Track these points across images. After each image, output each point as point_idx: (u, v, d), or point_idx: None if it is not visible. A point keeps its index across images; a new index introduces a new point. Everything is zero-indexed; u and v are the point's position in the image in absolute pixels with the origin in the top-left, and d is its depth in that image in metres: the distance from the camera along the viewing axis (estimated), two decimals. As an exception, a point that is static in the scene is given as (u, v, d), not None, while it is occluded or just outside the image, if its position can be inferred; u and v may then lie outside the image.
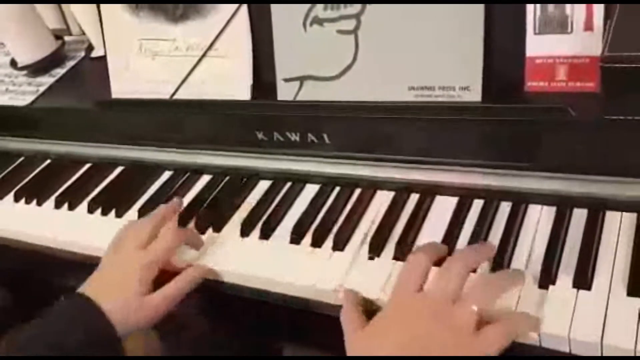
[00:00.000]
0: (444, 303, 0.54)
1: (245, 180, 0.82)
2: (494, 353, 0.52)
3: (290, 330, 0.79)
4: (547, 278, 0.57)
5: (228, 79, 0.78)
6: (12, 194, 0.95)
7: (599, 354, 0.51)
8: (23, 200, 0.93)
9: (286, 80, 0.74)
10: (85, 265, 0.82)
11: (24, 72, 1.04)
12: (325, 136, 0.72)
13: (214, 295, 0.73)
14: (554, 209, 0.64)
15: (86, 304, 0.64)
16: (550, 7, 0.59)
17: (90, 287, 0.67)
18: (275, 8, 0.72)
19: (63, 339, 0.61)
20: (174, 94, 0.81)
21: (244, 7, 0.75)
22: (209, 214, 0.77)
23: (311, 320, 0.71)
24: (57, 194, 0.91)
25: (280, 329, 0.80)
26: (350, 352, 0.56)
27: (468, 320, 0.52)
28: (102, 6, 0.85)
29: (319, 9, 0.70)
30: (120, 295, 0.65)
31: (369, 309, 0.60)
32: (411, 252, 0.60)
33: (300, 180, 0.78)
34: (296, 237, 0.70)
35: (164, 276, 0.68)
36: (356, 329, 0.57)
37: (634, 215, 0.60)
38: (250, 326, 0.84)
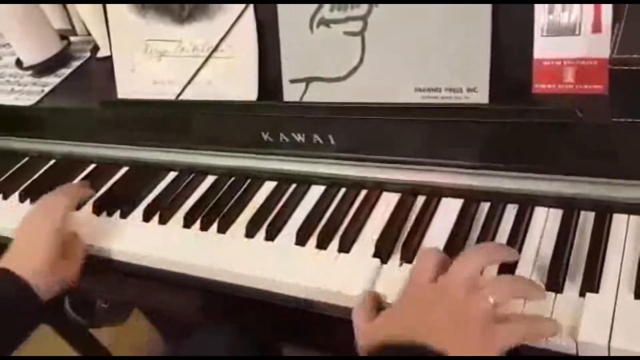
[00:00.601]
0: (457, 289, 0.53)
1: (250, 181, 0.82)
2: (502, 350, 0.51)
3: (293, 331, 0.79)
4: (554, 280, 0.57)
5: (234, 79, 0.78)
6: (16, 194, 0.95)
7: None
8: (28, 201, 0.93)
9: (292, 81, 0.74)
10: (89, 265, 0.83)
11: (30, 72, 1.04)
12: (330, 137, 0.72)
13: (217, 296, 0.73)
14: (560, 211, 0.64)
15: (6, 278, 0.70)
16: (558, 9, 0.59)
17: (8, 259, 0.73)
18: (281, 9, 0.72)
19: None
20: (179, 94, 0.81)
21: (251, 8, 0.75)
22: (214, 214, 0.77)
23: (315, 322, 0.71)
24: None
25: (284, 330, 0.80)
26: (361, 341, 0.56)
27: (482, 310, 0.52)
28: (109, 7, 0.85)
29: (326, 11, 0.70)
30: (33, 263, 0.72)
31: (380, 307, 0.60)
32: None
33: (305, 181, 0.78)
34: (301, 238, 0.70)
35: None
36: (368, 320, 0.57)
37: (642, 218, 0.60)
38: (253, 327, 0.84)
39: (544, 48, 0.60)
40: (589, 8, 0.57)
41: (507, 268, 0.59)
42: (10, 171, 1.01)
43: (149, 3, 0.81)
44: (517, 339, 0.52)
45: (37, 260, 0.72)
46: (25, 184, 0.97)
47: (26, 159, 1.04)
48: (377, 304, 0.60)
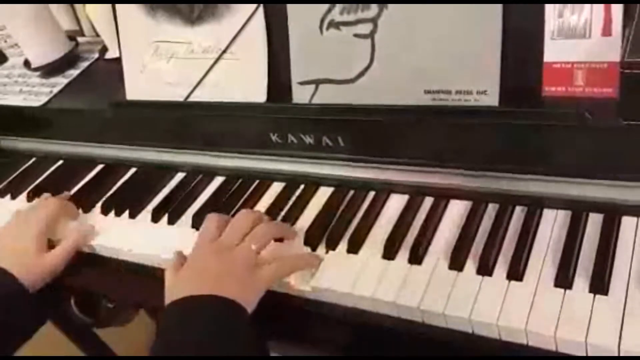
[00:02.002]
0: (226, 244, 0.67)
1: (258, 182, 0.82)
2: (265, 286, 0.65)
3: (296, 334, 0.79)
4: (563, 282, 0.57)
5: (243, 81, 0.78)
6: (24, 194, 0.96)
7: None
8: (36, 201, 0.94)
9: (302, 83, 0.74)
10: (100, 265, 0.83)
11: (38, 73, 1.05)
12: (339, 139, 0.73)
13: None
14: (569, 213, 0.64)
15: None
16: (569, 12, 0.59)
17: None
18: (291, 11, 0.73)
19: None
20: (188, 96, 0.82)
21: (260, 10, 0.75)
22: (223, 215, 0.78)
23: (316, 323, 0.71)
24: (70, 194, 0.92)
25: (284, 332, 0.80)
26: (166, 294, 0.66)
27: (245, 255, 0.66)
28: (118, 8, 0.85)
29: (336, 13, 0.70)
30: (19, 259, 0.78)
31: None
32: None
33: (314, 182, 0.78)
34: (311, 239, 0.70)
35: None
36: (170, 275, 0.68)
37: (651, 220, 0.61)
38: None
39: (554, 51, 0.60)
40: (600, 11, 0.57)
41: (516, 272, 0.59)
42: (18, 171, 1.02)
43: (159, 3, 0.82)
44: (279, 273, 0.66)
45: (23, 257, 0.78)
46: (33, 185, 0.98)
47: (34, 159, 1.04)
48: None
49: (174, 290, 0.65)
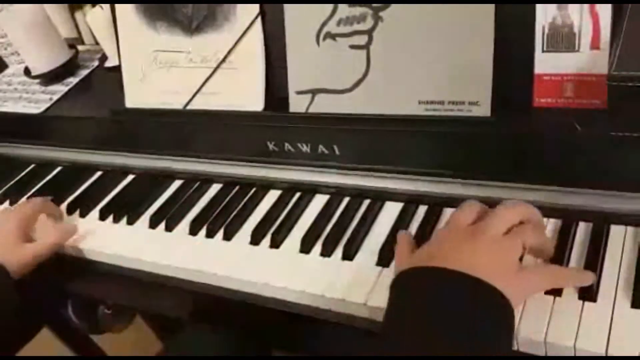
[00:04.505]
0: (494, 231, 0.55)
1: (255, 189, 0.83)
2: (531, 291, 0.55)
3: (295, 338, 0.80)
4: (553, 290, 0.58)
5: (241, 90, 0.79)
6: (23, 200, 0.97)
7: (605, 364, 0.52)
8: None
9: (298, 92, 0.75)
10: (97, 271, 0.84)
11: (38, 80, 1.06)
12: (335, 147, 0.74)
13: (221, 303, 0.75)
14: (559, 222, 0.65)
15: None
16: (559, 25, 0.60)
17: None
18: (289, 22, 0.74)
19: None
20: (187, 104, 0.83)
21: (258, 20, 0.77)
22: (220, 222, 0.79)
23: (317, 329, 0.72)
24: (68, 201, 0.93)
25: (285, 337, 0.81)
26: (396, 275, 0.56)
27: (515, 249, 0.55)
28: (119, 17, 0.87)
29: (332, 25, 0.71)
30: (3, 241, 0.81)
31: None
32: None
33: (310, 190, 0.80)
34: (306, 246, 0.72)
35: None
36: (404, 256, 0.60)
37: (639, 229, 0.62)
38: (252, 333, 0.85)
39: (544, 64, 0.62)
40: (589, 25, 0.59)
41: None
42: (17, 178, 1.03)
43: (155, 2, 0.83)
44: (547, 282, 0.56)
45: (2, 239, 0.81)
46: (32, 191, 0.98)
47: (33, 165, 1.05)
48: (412, 245, 0.62)
49: (417, 261, 0.55)
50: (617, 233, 0.62)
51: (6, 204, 0.98)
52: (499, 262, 0.53)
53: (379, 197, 0.75)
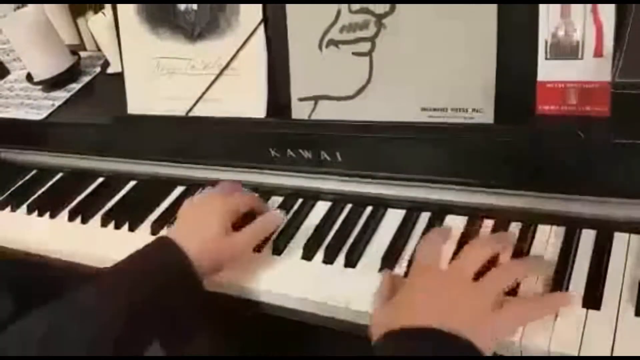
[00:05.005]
0: (464, 277, 0.56)
1: (257, 196, 0.83)
2: (507, 332, 0.55)
3: (296, 344, 0.80)
4: (556, 297, 0.58)
5: (243, 97, 0.79)
6: (25, 206, 0.97)
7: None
8: (36, 213, 0.94)
9: (301, 99, 0.75)
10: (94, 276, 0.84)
11: (40, 86, 1.06)
12: (338, 154, 0.74)
13: (221, 309, 0.74)
14: (563, 229, 0.65)
15: (169, 246, 0.66)
16: (561, 33, 0.60)
17: (175, 230, 0.70)
18: (291, 29, 0.74)
19: (145, 279, 0.64)
20: (189, 111, 0.83)
21: (261, 27, 0.77)
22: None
23: (318, 336, 0.72)
24: (70, 207, 0.93)
25: (288, 344, 0.81)
26: (374, 325, 0.57)
27: (487, 295, 0.55)
28: (121, 24, 0.87)
29: (335, 32, 0.71)
30: (201, 238, 0.67)
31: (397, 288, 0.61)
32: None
33: (312, 197, 0.80)
34: (308, 253, 0.72)
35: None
36: (383, 303, 0.60)
37: (643, 236, 0.62)
38: (255, 340, 0.85)
39: (547, 71, 0.62)
40: (592, 32, 0.59)
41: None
42: (19, 184, 1.03)
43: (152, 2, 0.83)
44: (524, 319, 0.56)
45: (206, 234, 0.68)
46: (33, 197, 0.98)
47: (34, 171, 1.05)
48: (394, 286, 0.61)
49: (385, 320, 0.56)
50: (621, 240, 0.62)
51: (7, 209, 0.98)
52: (470, 310, 0.54)
53: (382, 204, 0.75)
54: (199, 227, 0.69)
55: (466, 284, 0.56)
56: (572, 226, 0.65)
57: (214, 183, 0.86)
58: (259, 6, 0.76)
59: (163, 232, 0.82)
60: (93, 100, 1.01)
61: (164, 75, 0.85)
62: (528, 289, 0.59)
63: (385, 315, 0.57)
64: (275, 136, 0.78)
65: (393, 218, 0.73)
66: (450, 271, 0.58)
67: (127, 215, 0.86)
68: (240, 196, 0.75)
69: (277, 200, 0.82)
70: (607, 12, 0.58)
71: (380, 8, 0.68)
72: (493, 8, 0.63)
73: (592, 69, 0.60)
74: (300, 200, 0.80)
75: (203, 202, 0.74)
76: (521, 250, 0.64)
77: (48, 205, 0.94)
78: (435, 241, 0.63)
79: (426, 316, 0.53)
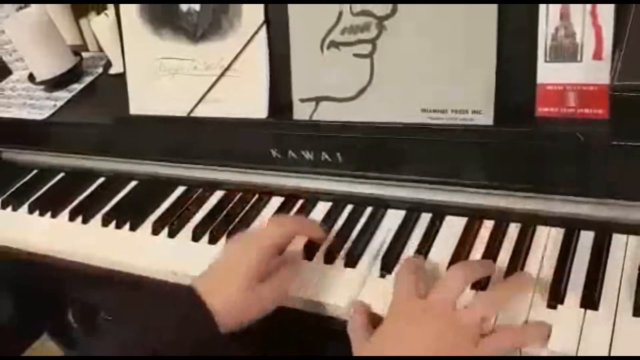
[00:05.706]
0: (445, 308, 0.57)
1: (258, 196, 0.84)
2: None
3: (298, 346, 0.80)
4: (555, 297, 0.58)
5: (245, 98, 0.80)
6: (26, 205, 0.97)
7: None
8: (37, 213, 0.95)
9: (302, 100, 0.76)
10: (98, 277, 0.84)
11: (42, 86, 1.06)
12: (339, 155, 0.74)
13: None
14: (562, 230, 0.66)
15: (194, 303, 0.62)
16: (561, 36, 0.61)
17: (202, 280, 0.64)
18: (293, 31, 0.75)
19: (168, 335, 0.61)
20: (191, 111, 0.83)
21: (263, 28, 0.77)
22: (223, 228, 0.79)
23: (319, 337, 0.72)
24: (71, 207, 0.93)
25: (289, 345, 0.81)
26: None
27: (471, 325, 0.56)
28: (124, 24, 0.87)
29: (336, 33, 0.72)
30: (227, 294, 0.62)
31: (377, 323, 0.61)
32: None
33: (313, 197, 0.80)
34: (309, 253, 0.72)
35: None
36: (364, 338, 0.60)
37: (640, 238, 0.62)
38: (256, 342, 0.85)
39: (547, 74, 0.62)
40: (591, 35, 0.60)
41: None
42: (20, 183, 1.03)
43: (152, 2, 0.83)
44: (504, 348, 0.56)
45: (232, 288, 0.62)
46: (35, 196, 0.99)
47: (35, 171, 1.05)
48: (374, 320, 0.62)
49: (374, 353, 0.57)
50: (619, 241, 0.63)
51: (9, 209, 0.98)
52: (452, 347, 0.55)
53: (382, 205, 0.75)
54: (224, 281, 0.63)
55: (448, 317, 0.57)
56: (571, 227, 0.65)
57: (214, 183, 0.87)
58: (261, 7, 0.77)
59: (164, 233, 0.82)
60: (95, 100, 1.02)
61: (166, 76, 0.85)
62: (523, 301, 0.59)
63: (372, 348, 0.58)
64: (277, 137, 0.78)
65: (393, 218, 0.74)
66: (431, 303, 0.58)
67: (128, 215, 0.87)
68: (278, 228, 0.67)
69: (278, 200, 0.82)
70: (606, 15, 0.59)
71: (381, 10, 0.69)
72: (493, 10, 0.63)
73: (591, 71, 0.60)
74: (300, 201, 0.81)
75: (235, 248, 0.67)
76: (520, 251, 0.64)
77: (49, 205, 0.94)
78: (410, 270, 0.63)
79: (408, 348, 0.55)
